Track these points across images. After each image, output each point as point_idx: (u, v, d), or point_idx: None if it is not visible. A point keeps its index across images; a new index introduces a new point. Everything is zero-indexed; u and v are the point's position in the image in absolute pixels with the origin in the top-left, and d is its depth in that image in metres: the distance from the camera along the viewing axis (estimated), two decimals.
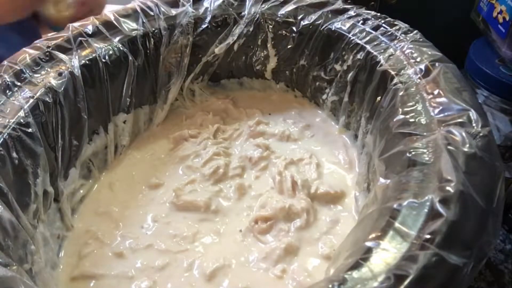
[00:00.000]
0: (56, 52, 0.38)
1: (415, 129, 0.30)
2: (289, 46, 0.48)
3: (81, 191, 0.41)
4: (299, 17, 0.46)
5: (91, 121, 0.40)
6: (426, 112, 0.30)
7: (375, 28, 0.41)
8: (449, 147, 0.26)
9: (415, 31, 0.39)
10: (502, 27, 0.42)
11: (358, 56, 0.41)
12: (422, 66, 0.34)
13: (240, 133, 0.48)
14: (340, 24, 0.44)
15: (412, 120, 0.31)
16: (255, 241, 0.37)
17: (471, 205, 0.23)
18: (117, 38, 0.42)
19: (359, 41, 0.41)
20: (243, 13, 0.48)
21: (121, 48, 0.42)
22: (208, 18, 0.47)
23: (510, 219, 0.42)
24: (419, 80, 0.33)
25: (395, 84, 0.35)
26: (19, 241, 0.29)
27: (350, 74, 0.43)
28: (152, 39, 0.45)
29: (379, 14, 0.43)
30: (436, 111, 0.30)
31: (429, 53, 0.35)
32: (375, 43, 0.40)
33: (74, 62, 0.38)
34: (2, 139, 0.31)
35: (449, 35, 0.44)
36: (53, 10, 0.60)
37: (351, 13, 0.44)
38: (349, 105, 0.45)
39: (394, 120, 0.32)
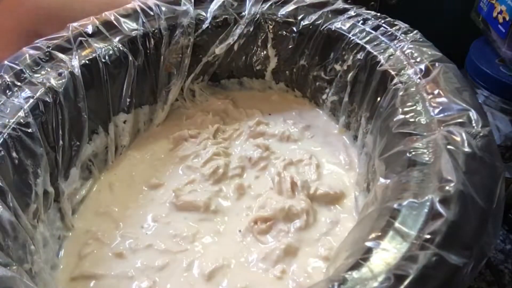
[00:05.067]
0: (56, 52, 0.38)
1: (415, 129, 0.30)
2: (289, 46, 0.48)
3: (82, 192, 0.41)
4: (299, 17, 0.46)
5: (91, 121, 0.40)
6: (426, 112, 0.30)
7: (375, 28, 0.41)
8: (449, 147, 0.26)
9: (415, 31, 0.39)
10: (502, 27, 0.42)
11: (358, 56, 0.41)
12: (422, 66, 0.34)
13: (240, 133, 0.48)
14: (340, 24, 0.44)
15: (412, 120, 0.31)
16: (254, 242, 0.37)
17: (471, 205, 0.23)
18: (117, 38, 0.42)
19: (359, 41, 0.41)
20: (243, 13, 0.48)
21: (121, 48, 0.42)
22: (209, 19, 0.47)
23: (510, 219, 0.42)
24: (419, 80, 0.33)
25: (395, 84, 0.35)
26: (19, 241, 0.29)
27: (350, 74, 0.43)
28: (152, 39, 0.45)
29: (379, 14, 0.43)
30: (436, 111, 0.30)
31: (429, 53, 0.35)
32: (375, 43, 0.40)
33: (74, 62, 0.38)
34: (2, 139, 0.31)
35: (449, 35, 0.44)
36: None
37: (351, 13, 0.44)
38: (349, 105, 0.45)
39: (394, 120, 0.32)
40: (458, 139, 0.27)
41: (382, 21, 0.41)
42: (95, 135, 0.43)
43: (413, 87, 0.33)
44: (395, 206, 0.25)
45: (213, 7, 0.47)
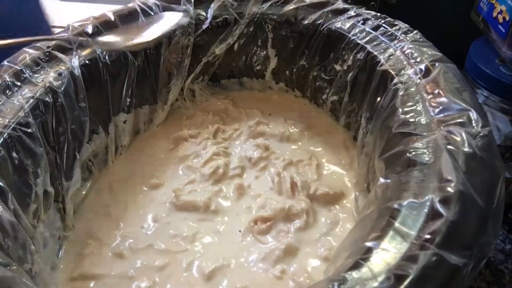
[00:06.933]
0: (56, 52, 0.38)
1: (415, 129, 0.30)
2: (289, 46, 0.48)
3: (82, 192, 0.41)
4: (299, 17, 0.46)
5: (91, 121, 0.40)
6: (426, 112, 0.30)
7: (375, 28, 0.41)
8: (449, 147, 0.26)
9: (415, 31, 0.39)
10: (502, 27, 0.42)
11: (358, 56, 0.41)
12: (422, 66, 0.34)
13: (240, 133, 0.48)
14: (340, 24, 0.44)
15: (412, 120, 0.31)
16: (254, 242, 0.37)
17: (471, 205, 0.23)
18: None
19: (359, 41, 0.41)
20: (243, 13, 0.48)
21: None
22: (209, 19, 0.47)
23: (510, 219, 0.42)
24: (419, 80, 0.33)
25: (395, 84, 0.35)
26: (19, 241, 0.29)
27: (350, 74, 0.43)
28: None
29: (379, 14, 0.43)
30: (436, 111, 0.30)
31: (429, 53, 0.35)
32: (375, 43, 0.40)
33: (74, 62, 0.38)
34: (2, 139, 0.31)
35: (449, 35, 0.44)
36: None
37: (351, 13, 0.44)
38: (349, 105, 0.45)
39: (394, 120, 0.32)
40: (458, 139, 0.27)
41: (382, 21, 0.41)
42: (95, 135, 0.43)
43: (413, 87, 0.33)
44: (395, 206, 0.25)
45: (213, 7, 0.47)
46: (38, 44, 0.38)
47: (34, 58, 0.37)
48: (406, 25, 0.40)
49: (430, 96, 0.31)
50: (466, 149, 0.26)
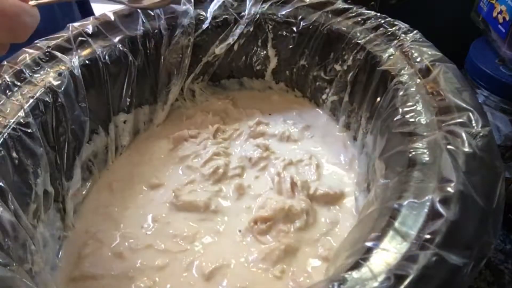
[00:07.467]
0: (56, 52, 0.38)
1: (415, 129, 0.30)
2: (289, 46, 0.48)
3: (82, 192, 0.41)
4: (299, 17, 0.46)
5: (91, 121, 0.40)
6: (426, 112, 0.30)
7: (375, 28, 0.41)
8: (449, 147, 0.26)
9: (415, 31, 0.39)
10: (502, 27, 0.42)
11: (358, 56, 0.41)
12: (422, 66, 0.34)
13: (240, 133, 0.48)
14: (340, 24, 0.44)
15: (412, 120, 0.31)
16: (254, 242, 0.37)
17: (471, 205, 0.23)
18: (117, 38, 0.42)
19: (359, 41, 0.41)
20: (243, 13, 0.48)
21: (121, 48, 0.42)
22: (209, 19, 0.47)
23: (510, 219, 0.42)
24: (419, 80, 0.33)
25: (395, 84, 0.35)
26: (19, 241, 0.29)
27: (350, 74, 0.43)
28: (152, 39, 0.45)
29: (379, 14, 0.43)
30: (436, 111, 0.30)
31: (429, 53, 0.35)
32: (375, 43, 0.40)
33: (74, 62, 0.38)
34: (2, 139, 0.31)
35: (449, 35, 0.44)
36: None
37: (351, 13, 0.44)
38: (349, 105, 0.45)
39: (394, 120, 0.32)
40: (458, 139, 0.27)
41: (382, 21, 0.41)
42: (95, 135, 0.43)
43: (413, 87, 0.33)
44: (395, 206, 0.25)
45: (213, 7, 0.47)
46: (38, 44, 0.38)
47: (34, 58, 0.37)
48: (406, 25, 0.40)
49: (430, 96, 0.31)
50: (466, 149, 0.26)
